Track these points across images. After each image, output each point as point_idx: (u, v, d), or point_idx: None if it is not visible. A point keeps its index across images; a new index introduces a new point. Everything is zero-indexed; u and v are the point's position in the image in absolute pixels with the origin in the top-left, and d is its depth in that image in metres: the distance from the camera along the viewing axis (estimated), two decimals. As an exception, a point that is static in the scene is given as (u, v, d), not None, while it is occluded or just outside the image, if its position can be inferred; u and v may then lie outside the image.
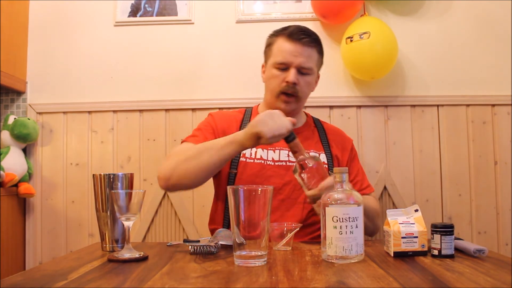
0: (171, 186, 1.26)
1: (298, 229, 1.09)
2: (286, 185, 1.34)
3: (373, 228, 1.38)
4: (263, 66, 1.48)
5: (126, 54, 2.05)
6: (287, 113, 1.40)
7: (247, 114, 1.48)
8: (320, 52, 1.42)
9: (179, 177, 1.22)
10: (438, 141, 2.00)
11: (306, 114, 1.56)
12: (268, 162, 1.36)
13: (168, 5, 2.05)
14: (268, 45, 1.43)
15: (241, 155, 1.36)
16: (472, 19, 2.03)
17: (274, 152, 1.38)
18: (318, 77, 1.48)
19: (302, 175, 1.13)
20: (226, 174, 1.36)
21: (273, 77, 1.38)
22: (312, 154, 1.21)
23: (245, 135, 1.16)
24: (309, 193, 1.13)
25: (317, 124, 1.53)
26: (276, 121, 1.14)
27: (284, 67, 1.35)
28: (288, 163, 1.37)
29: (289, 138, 1.14)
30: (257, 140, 1.14)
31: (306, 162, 1.13)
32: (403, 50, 2.00)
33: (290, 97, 1.37)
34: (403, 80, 2.02)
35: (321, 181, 1.11)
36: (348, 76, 2.02)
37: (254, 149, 1.37)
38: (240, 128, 1.41)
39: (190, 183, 1.24)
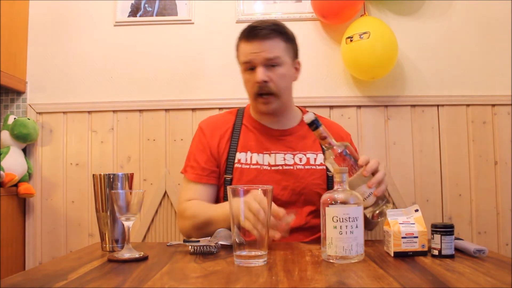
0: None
1: (294, 216, 1.08)
2: (284, 190, 1.32)
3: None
4: None
5: (126, 54, 2.05)
6: (271, 113, 1.38)
7: (239, 114, 1.45)
8: (288, 39, 1.34)
9: (198, 237, 1.24)
10: (438, 141, 2.00)
11: (303, 111, 1.50)
12: (264, 167, 1.33)
13: (168, 5, 2.05)
14: (236, 50, 1.39)
15: (237, 160, 1.34)
16: (472, 19, 2.03)
17: (270, 156, 1.35)
18: (298, 64, 1.41)
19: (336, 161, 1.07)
20: (223, 179, 1.36)
21: (246, 82, 1.35)
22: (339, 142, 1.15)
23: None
24: (371, 181, 1.06)
25: None
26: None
27: (250, 67, 1.31)
28: (284, 167, 1.33)
29: (312, 126, 1.08)
30: None
31: (335, 149, 1.08)
32: (403, 50, 2.00)
33: (267, 97, 1.32)
34: (403, 80, 2.02)
35: (355, 165, 1.07)
36: (348, 76, 2.02)
37: (249, 154, 1.34)
38: (233, 130, 1.39)
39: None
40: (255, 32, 1.29)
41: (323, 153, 1.09)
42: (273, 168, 1.33)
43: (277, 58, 1.29)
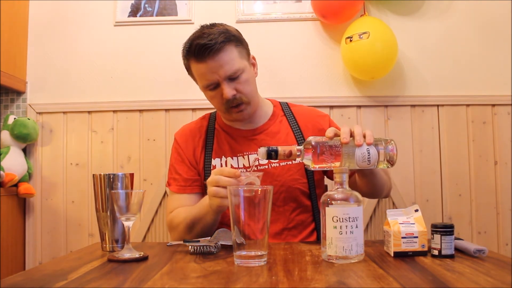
0: None
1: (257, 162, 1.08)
2: None
3: (390, 184, 1.33)
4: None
5: (126, 54, 2.05)
6: (248, 118, 1.34)
7: (212, 118, 1.43)
8: (237, 42, 1.27)
9: (194, 238, 1.23)
10: (438, 141, 2.00)
11: (273, 103, 1.44)
12: (240, 170, 1.28)
13: (168, 5, 2.06)
14: (187, 69, 1.32)
15: (212, 167, 1.32)
16: (472, 19, 2.03)
17: (244, 158, 1.33)
18: (253, 59, 1.36)
19: (319, 158, 1.02)
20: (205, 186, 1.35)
21: (211, 98, 1.31)
22: (298, 147, 1.11)
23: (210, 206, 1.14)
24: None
25: (286, 112, 1.42)
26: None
27: (214, 86, 1.26)
28: (258, 167, 1.31)
29: (272, 157, 1.05)
30: (216, 210, 1.12)
31: (305, 154, 1.03)
32: (403, 50, 2.00)
33: (238, 106, 1.29)
34: (403, 80, 2.02)
35: (334, 145, 1.03)
36: (348, 76, 2.02)
37: (224, 159, 1.32)
38: (207, 136, 1.38)
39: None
40: (205, 52, 1.21)
41: (300, 150, 1.05)
42: (248, 170, 1.30)
43: (237, 70, 1.25)
